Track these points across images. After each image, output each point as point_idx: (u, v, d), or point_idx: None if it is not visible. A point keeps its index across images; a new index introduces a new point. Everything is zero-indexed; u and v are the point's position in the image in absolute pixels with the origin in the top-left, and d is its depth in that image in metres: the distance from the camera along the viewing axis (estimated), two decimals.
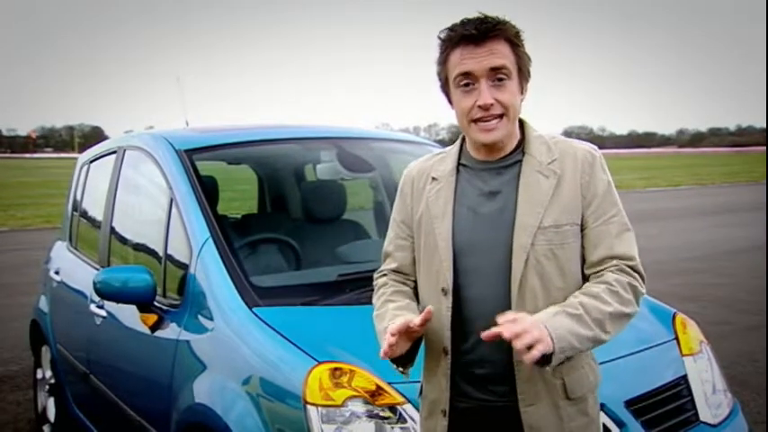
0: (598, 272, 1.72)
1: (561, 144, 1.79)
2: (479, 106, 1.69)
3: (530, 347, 1.51)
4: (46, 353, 4.40)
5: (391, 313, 1.77)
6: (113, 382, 3.32)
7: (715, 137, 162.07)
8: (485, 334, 1.56)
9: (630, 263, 1.72)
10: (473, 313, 1.74)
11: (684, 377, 2.59)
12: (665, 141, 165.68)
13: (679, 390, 2.55)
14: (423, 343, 1.82)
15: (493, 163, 1.78)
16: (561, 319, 1.59)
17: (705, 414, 2.55)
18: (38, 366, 4.60)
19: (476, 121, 1.71)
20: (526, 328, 1.52)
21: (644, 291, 1.73)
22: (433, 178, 1.84)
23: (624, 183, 31.36)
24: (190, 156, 3.06)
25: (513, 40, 1.71)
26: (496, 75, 1.68)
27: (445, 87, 1.77)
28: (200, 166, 3.07)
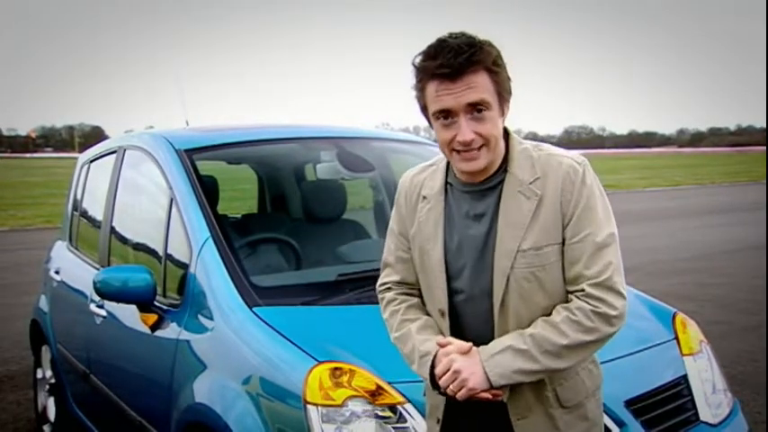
0: (572, 291, 1.69)
1: (545, 159, 1.72)
2: (459, 142, 1.66)
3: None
4: (46, 352, 4.40)
5: (417, 338, 1.78)
6: (113, 381, 3.32)
7: (715, 137, 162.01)
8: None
9: (599, 279, 1.66)
10: (467, 333, 1.76)
11: (684, 377, 2.59)
12: (665, 141, 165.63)
13: (679, 389, 2.55)
14: None
15: (476, 185, 1.75)
16: (504, 356, 1.64)
17: (705, 414, 2.55)
18: (38, 366, 4.60)
19: (456, 150, 1.68)
20: (456, 368, 1.65)
21: (615, 312, 1.65)
22: (424, 197, 1.83)
23: (624, 183, 31.37)
24: (190, 155, 3.06)
25: (492, 68, 1.64)
26: (475, 108, 1.64)
27: (424, 112, 1.73)
28: (201, 165, 3.07)
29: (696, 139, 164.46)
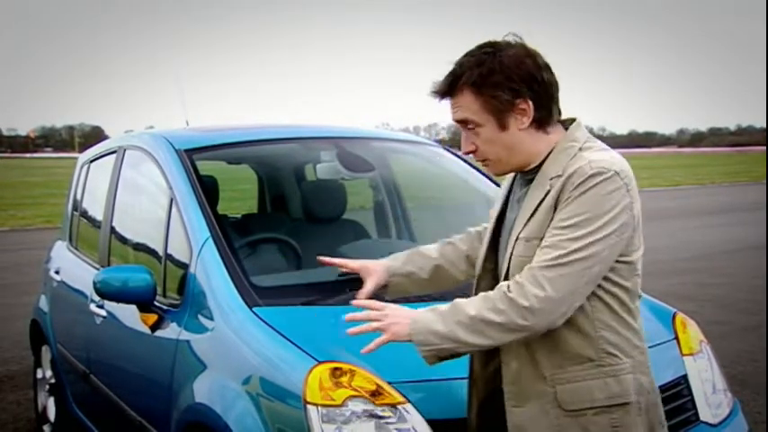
0: None
1: (575, 159, 1.76)
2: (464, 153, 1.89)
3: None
4: (46, 352, 4.40)
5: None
6: (113, 381, 3.32)
7: (715, 137, 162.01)
8: (347, 316, 1.87)
9: (528, 266, 1.69)
10: None
11: (684, 377, 2.59)
12: (665, 141, 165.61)
13: (679, 389, 2.55)
14: None
15: (524, 173, 1.89)
16: (427, 315, 1.76)
17: (705, 414, 2.55)
18: (38, 366, 4.60)
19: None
20: (381, 316, 1.81)
21: (525, 302, 1.65)
22: (507, 179, 2.03)
23: None
24: (190, 155, 3.06)
25: (476, 85, 1.76)
26: (467, 125, 1.81)
27: None
28: (201, 165, 3.07)
29: (696, 139, 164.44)
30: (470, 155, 1.87)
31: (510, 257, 1.81)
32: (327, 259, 2.31)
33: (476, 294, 1.88)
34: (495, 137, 1.80)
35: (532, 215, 1.77)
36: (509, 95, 1.76)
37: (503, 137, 1.80)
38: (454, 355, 1.78)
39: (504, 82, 1.75)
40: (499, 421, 1.87)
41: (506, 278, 1.80)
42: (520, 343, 1.76)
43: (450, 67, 1.82)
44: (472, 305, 1.72)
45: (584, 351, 1.75)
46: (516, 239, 1.79)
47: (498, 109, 1.77)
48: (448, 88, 1.81)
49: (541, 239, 1.73)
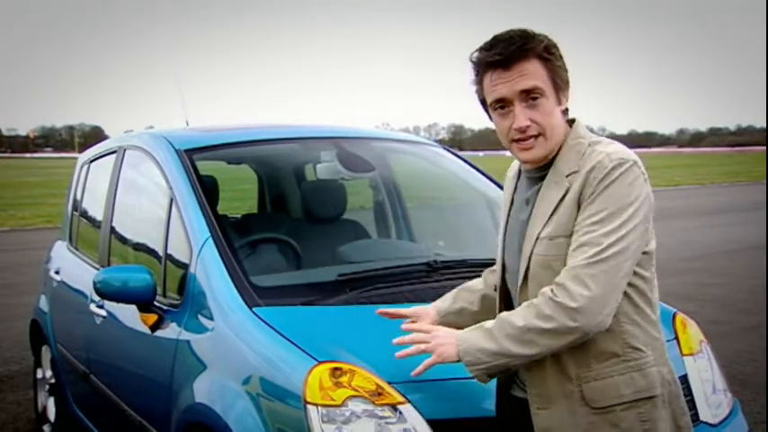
0: None
1: (589, 155, 1.75)
2: (515, 129, 1.72)
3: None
4: (46, 352, 4.40)
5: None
6: (113, 381, 3.32)
7: (715, 136, 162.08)
8: (396, 340, 1.89)
9: (569, 266, 1.67)
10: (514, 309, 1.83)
11: (684, 377, 2.59)
12: (664, 141, 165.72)
13: None
14: None
15: (533, 172, 1.85)
16: (474, 334, 1.74)
17: (705, 414, 2.55)
18: (38, 366, 4.60)
19: (515, 140, 1.75)
20: (428, 338, 1.81)
21: (574, 303, 1.64)
22: (510, 179, 2.00)
23: None
24: (190, 155, 3.06)
25: (544, 55, 1.70)
26: (529, 96, 1.70)
27: (484, 105, 1.82)
28: (201, 165, 3.07)
29: (696, 139, 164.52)
30: (525, 131, 1.72)
31: (530, 257, 1.77)
32: (384, 310, 2.24)
33: (500, 301, 1.92)
34: (553, 111, 1.74)
35: (553, 213, 1.73)
36: (566, 72, 1.77)
37: (556, 113, 1.75)
38: (503, 371, 1.77)
39: (562, 58, 1.76)
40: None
41: (525, 279, 1.78)
42: None
43: (468, 62, 1.77)
44: (518, 316, 1.68)
45: (610, 347, 1.74)
46: (537, 239, 1.75)
47: (560, 82, 1.74)
48: (519, 53, 1.69)
49: (567, 237, 1.70)
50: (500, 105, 1.73)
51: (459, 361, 1.75)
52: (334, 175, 3.58)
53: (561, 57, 1.75)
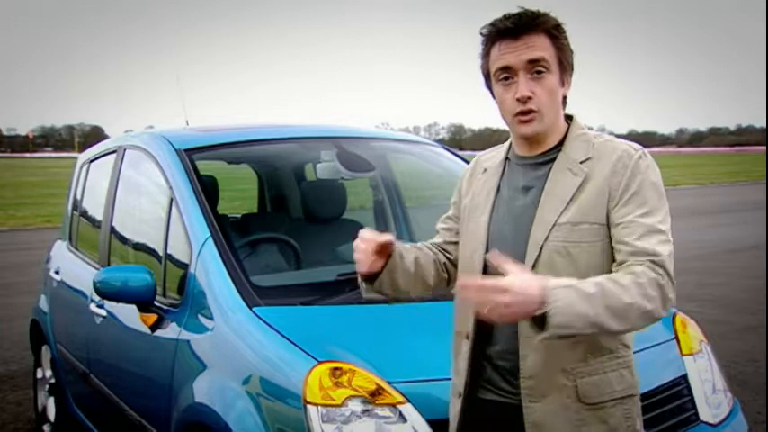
0: (629, 264, 1.64)
1: (602, 144, 1.76)
2: (518, 99, 1.70)
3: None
4: (46, 352, 4.40)
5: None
6: (113, 381, 3.32)
7: (715, 136, 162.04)
8: (490, 255, 1.61)
9: (656, 258, 1.63)
10: None
11: (684, 376, 2.59)
12: (664, 141, 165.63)
13: (679, 389, 2.55)
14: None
15: (531, 158, 1.81)
16: (569, 293, 1.48)
17: (705, 413, 2.55)
18: (38, 366, 4.60)
19: (516, 114, 1.73)
20: (507, 286, 1.45)
21: (672, 295, 1.61)
22: (485, 169, 1.92)
23: None
24: (190, 155, 3.06)
25: (553, 32, 1.71)
26: (535, 68, 1.70)
27: (488, 82, 1.80)
28: (201, 165, 3.07)
29: (696, 138, 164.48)
30: (526, 103, 1.69)
31: (542, 244, 1.70)
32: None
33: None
34: (555, 89, 1.73)
35: (572, 199, 1.70)
36: (572, 55, 1.77)
37: (558, 93, 1.74)
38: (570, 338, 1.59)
39: (569, 41, 1.76)
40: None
41: (533, 267, 1.68)
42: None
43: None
44: (625, 290, 1.54)
45: (606, 342, 1.74)
46: (555, 224, 1.69)
47: (565, 63, 1.75)
48: (529, 25, 1.69)
49: (592, 224, 1.68)
50: (504, 76, 1.72)
51: (537, 316, 1.47)
52: (334, 174, 3.58)
53: (568, 39, 1.75)
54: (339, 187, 3.58)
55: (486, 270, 1.77)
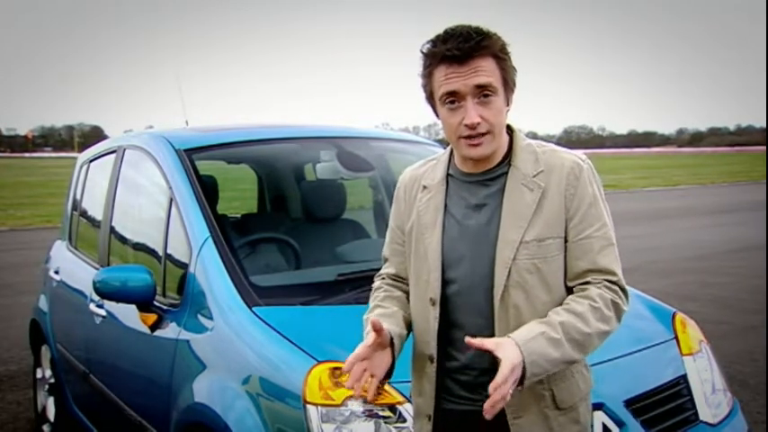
0: (581, 284, 1.70)
1: (549, 155, 1.76)
2: (466, 125, 1.67)
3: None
4: (46, 352, 4.40)
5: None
6: (113, 381, 3.32)
7: (715, 136, 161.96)
8: (470, 340, 1.56)
9: (613, 278, 1.70)
10: (459, 322, 1.75)
11: (684, 376, 2.59)
12: (664, 141, 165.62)
13: (679, 389, 2.55)
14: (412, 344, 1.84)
15: (478, 175, 1.77)
16: (539, 342, 1.57)
17: (705, 413, 2.55)
18: (37, 366, 4.60)
19: (463, 137, 1.69)
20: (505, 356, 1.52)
21: (626, 308, 1.70)
22: (424, 187, 1.85)
23: (624, 182, 31.38)
24: (189, 155, 3.06)
25: (499, 54, 1.68)
26: (482, 92, 1.67)
27: (430, 100, 1.76)
28: (200, 165, 3.07)
29: (696, 138, 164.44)
30: (475, 128, 1.67)
31: (511, 263, 1.68)
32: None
33: (440, 316, 1.75)
34: (502, 110, 1.71)
35: (534, 216, 1.69)
36: (515, 73, 1.75)
37: (504, 113, 1.73)
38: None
39: (511, 60, 1.74)
40: None
41: (505, 288, 1.68)
42: None
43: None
44: (582, 320, 1.62)
45: None
46: (521, 243, 1.68)
47: (510, 83, 1.73)
48: (476, 49, 1.64)
49: (556, 238, 1.69)
50: (450, 100, 1.68)
51: (522, 378, 1.55)
52: (334, 174, 3.58)
53: (511, 59, 1.73)
54: (339, 187, 3.58)
55: (445, 291, 1.75)
